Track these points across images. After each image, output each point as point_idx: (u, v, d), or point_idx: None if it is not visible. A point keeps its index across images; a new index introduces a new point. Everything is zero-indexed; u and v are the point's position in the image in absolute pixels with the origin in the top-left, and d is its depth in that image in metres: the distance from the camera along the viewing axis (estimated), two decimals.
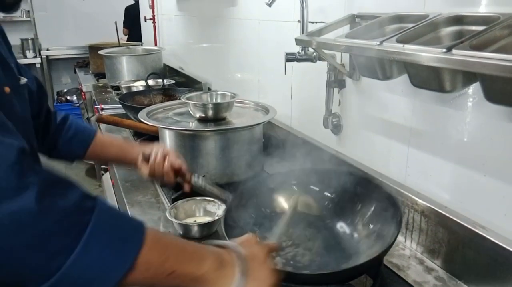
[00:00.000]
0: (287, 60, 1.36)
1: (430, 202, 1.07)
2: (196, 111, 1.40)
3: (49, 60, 5.96)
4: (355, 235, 1.06)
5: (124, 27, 5.05)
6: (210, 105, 1.38)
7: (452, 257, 1.01)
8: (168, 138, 1.40)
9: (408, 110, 1.15)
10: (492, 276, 0.92)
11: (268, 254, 0.78)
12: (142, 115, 1.42)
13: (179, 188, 1.41)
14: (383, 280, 0.96)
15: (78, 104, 4.95)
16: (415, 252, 1.11)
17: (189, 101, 1.40)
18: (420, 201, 1.09)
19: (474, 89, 0.95)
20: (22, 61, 5.66)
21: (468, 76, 0.82)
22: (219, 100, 1.46)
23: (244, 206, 1.06)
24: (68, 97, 5.77)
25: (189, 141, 1.37)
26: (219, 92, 1.50)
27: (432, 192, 1.10)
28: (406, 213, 1.13)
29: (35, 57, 5.71)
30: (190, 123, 1.42)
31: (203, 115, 1.39)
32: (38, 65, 5.73)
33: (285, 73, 1.35)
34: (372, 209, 1.04)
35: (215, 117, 1.40)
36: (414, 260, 1.08)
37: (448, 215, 1.01)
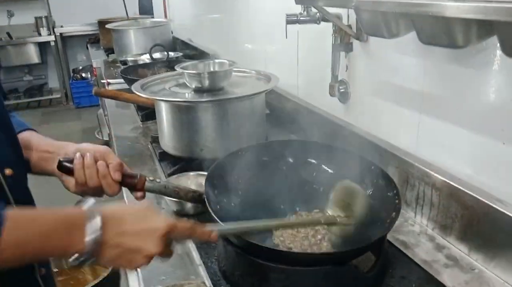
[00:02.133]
0: (288, 22, 1.25)
1: (442, 174, 0.97)
2: (191, 81, 1.32)
3: (63, 38, 5.93)
4: None
5: None
6: (206, 75, 1.29)
7: (466, 234, 0.92)
8: (164, 111, 1.33)
9: (420, 72, 1.04)
10: (510, 255, 0.82)
11: (166, 235, 0.70)
12: (136, 87, 1.34)
13: (178, 160, 1.35)
14: (387, 258, 0.88)
15: (92, 81, 4.93)
16: (426, 228, 1.02)
17: (184, 71, 1.31)
18: (431, 173, 0.99)
19: (491, 45, 0.83)
20: (37, 39, 5.67)
21: (483, 27, 0.70)
22: (216, 69, 1.37)
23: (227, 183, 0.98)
24: (83, 75, 5.77)
25: (185, 114, 1.29)
26: (216, 61, 1.40)
27: (444, 163, 1.00)
28: (417, 186, 1.03)
29: (49, 35, 5.69)
30: (186, 94, 1.34)
31: (199, 85, 1.31)
32: (52, 43, 5.72)
33: (286, 37, 1.25)
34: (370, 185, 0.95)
35: (212, 87, 1.31)
36: (424, 236, 0.99)
37: (462, 188, 0.91)
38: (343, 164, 0.99)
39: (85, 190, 0.87)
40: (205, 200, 0.87)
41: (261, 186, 1.01)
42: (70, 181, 0.87)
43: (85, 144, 0.91)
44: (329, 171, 1.03)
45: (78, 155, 0.86)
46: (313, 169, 1.05)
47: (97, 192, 0.87)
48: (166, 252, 0.72)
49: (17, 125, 0.94)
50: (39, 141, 0.94)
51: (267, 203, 0.99)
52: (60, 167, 0.85)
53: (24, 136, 0.93)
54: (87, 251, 0.66)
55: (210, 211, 0.84)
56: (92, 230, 0.66)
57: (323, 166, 1.04)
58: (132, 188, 0.89)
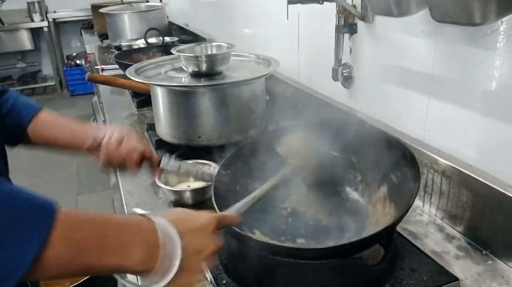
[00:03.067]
0: (290, 2, 1.18)
1: (452, 160, 0.93)
2: (188, 65, 1.26)
3: (57, 24, 5.80)
4: (362, 201, 0.93)
5: None
6: (203, 58, 1.23)
7: (477, 224, 0.88)
8: (160, 97, 1.27)
9: (429, 54, 0.98)
10: None
11: (217, 229, 0.65)
12: (130, 71, 1.28)
13: (175, 148, 1.30)
14: (397, 250, 0.83)
15: (86, 68, 4.85)
16: (435, 218, 0.97)
17: (181, 54, 1.25)
18: (441, 160, 0.95)
19: (509, 23, 0.77)
20: (29, 25, 5.55)
21: (503, 2, 0.65)
22: (214, 52, 1.31)
23: (237, 170, 0.94)
24: (78, 61, 5.67)
25: (182, 100, 1.23)
26: (214, 44, 1.34)
27: (455, 149, 0.95)
28: (425, 174, 0.99)
29: (42, 20, 5.57)
30: (183, 79, 1.28)
31: (196, 69, 1.25)
32: (45, 29, 5.60)
33: (287, 18, 1.18)
34: (386, 167, 0.90)
35: (210, 71, 1.25)
36: (433, 226, 0.95)
37: (473, 175, 0.87)
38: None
39: (111, 165, 1.00)
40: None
41: None
42: (99, 154, 0.98)
43: (112, 126, 1.05)
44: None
45: (107, 134, 0.97)
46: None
47: (121, 166, 0.99)
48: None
49: (27, 107, 1.00)
50: (63, 121, 1.04)
51: None
52: (91, 149, 0.98)
53: (45, 116, 1.01)
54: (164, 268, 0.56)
55: (213, 200, 0.81)
56: (170, 244, 0.57)
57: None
58: (152, 166, 1.01)
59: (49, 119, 1.01)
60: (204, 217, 0.65)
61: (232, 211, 0.75)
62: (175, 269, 0.56)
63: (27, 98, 1.04)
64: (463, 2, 0.68)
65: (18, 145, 1.01)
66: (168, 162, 1.01)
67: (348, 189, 0.99)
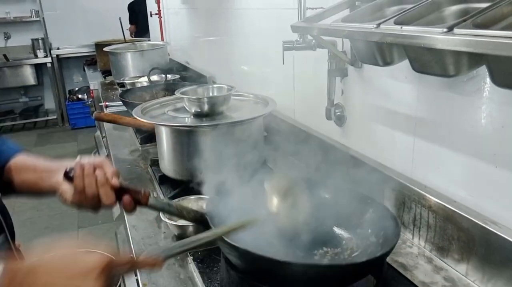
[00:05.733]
0: (285, 49, 1.28)
1: (438, 196, 1.00)
2: (191, 106, 1.34)
3: (60, 59, 5.98)
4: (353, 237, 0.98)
5: (130, 23, 5.01)
6: (205, 99, 1.32)
7: (463, 255, 0.94)
8: (164, 135, 1.35)
9: (413, 98, 1.07)
10: (506, 276, 0.84)
11: (104, 272, 0.63)
12: (136, 111, 1.37)
13: (178, 184, 1.36)
14: (387, 282, 0.89)
15: (88, 103, 4.96)
16: (424, 250, 1.03)
17: (184, 96, 1.34)
18: (427, 196, 1.02)
19: (482, 73, 0.86)
20: (33, 61, 5.72)
21: (473, 58, 0.74)
22: (215, 94, 1.40)
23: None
24: (80, 96, 5.80)
25: (185, 138, 1.31)
26: (215, 86, 1.44)
27: (440, 186, 1.02)
28: (413, 208, 1.06)
29: (45, 56, 5.74)
30: (186, 119, 1.36)
31: (199, 110, 1.34)
32: (49, 65, 5.76)
33: (283, 63, 1.28)
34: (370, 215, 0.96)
35: (212, 112, 1.34)
36: (422, 258, 1.01)
37: (457, 211, 0.94)
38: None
39: (82, 200, 0.88)
40: (207, 219, 0.87)
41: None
42: (67, 192, 0.89)
43: (84, 156, 0.93)
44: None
45: (78, 164, 0.88)
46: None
47: (94, 203, 0.88)
48: None
49: (9, 150, 0.99)
50: (33, 162, 0.98)
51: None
52: (66, 175, 0.89)
53: (18, 160, 0.97)
54: None
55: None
56: None
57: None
58: (136, 203, 0.89)
59: (22, 164, 0.97)
60: (89, 262, 0.63)
61: (154, 253, 0.71)
62: None
63: (11, 143, 1.03)
64: (438, 57, 0.77)
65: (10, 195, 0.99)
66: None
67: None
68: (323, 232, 0.98)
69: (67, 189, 0.90)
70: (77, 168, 0.87)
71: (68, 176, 0.89)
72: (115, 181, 0.87)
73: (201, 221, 0.95)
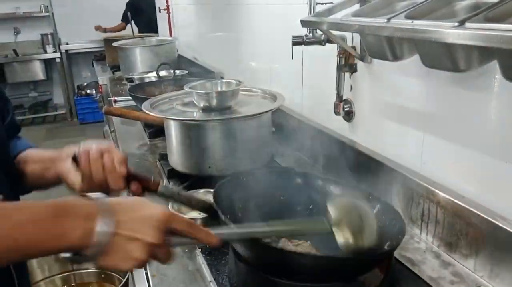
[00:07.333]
0: (294, 44, 1.29)
1: (446, 192, 1.00)
2: (200, 100, 1.35)
3: (69, 55, 6.03)
4: None
5: (121, 21, 5.00)
6: (214, 94, 1.33)
7: (471, 251, 0.94)
8: (173, 129, 1.36)
9: (423, 93, 1.07)
10: None
11: (166, 225, 0.64)
12: (145, 106, 1.38)
13: (186, 178, 1.37)
14: (394, 276, 0.89)
15: (97, 98, 5.00)
16: (431, 245, 1.03)
17: (193, 90, 1.35)
18: (436, 191, 1.02)
19: (492, 68, 0.86)
20: (43, 56, 5.77)
21: (484, 53, 0.74)
22: (223, 89, 1.41)
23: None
24: (88, 91, 5.84)
25: (194, 133, 1.32)
26: (224, 80, 1.44)
27: (449, 181, 1.02)
28: (421, 204, 1.06)
29: (55, 51, 5.79)
30: (195, 113, 1.37)
31: (207, 104, 1.34)
32: (58, 60, 5.81)
33: (292, 58, 1.28)
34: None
35: (220, 107, 1.34)
36: (430, 254, 1.01)
37: (466, 206, 0.94)
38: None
39: (91, 187, 0.86)
40: (215, 208, 0.87)
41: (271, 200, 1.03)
42: (75, 181, 0.87)
43: (89, 141, 0.90)
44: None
45: (83, 150, 0.85)
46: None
47: (103, 188, 0.86)
48: (163, 245, 0.65)
49: (22, 145, 1.01)
50: (39, 153, 1.00)
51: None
52: (74, 158, 0.86)
53: (26, 152, 0.99)
54: (95, 243, 0.60)
55: (222, 216, 0.83)
56: (105, 221, 0.61)
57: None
58: (146, 190, 0.89)
59: (30, 157, 0.98)
60: (152, 209, 0.65)
61: (215, 231, 0.71)
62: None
63: (26, 139, 1.06)
64: (448, 52, 0.77)
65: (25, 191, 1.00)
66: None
67: None
68: None
69: (74, 178, 0.88)
70: (82, 154, 0.85)
71: (76, 160, 0.86)
72: (123, 170, 0.86)
73: (209, 211, 0.95)
